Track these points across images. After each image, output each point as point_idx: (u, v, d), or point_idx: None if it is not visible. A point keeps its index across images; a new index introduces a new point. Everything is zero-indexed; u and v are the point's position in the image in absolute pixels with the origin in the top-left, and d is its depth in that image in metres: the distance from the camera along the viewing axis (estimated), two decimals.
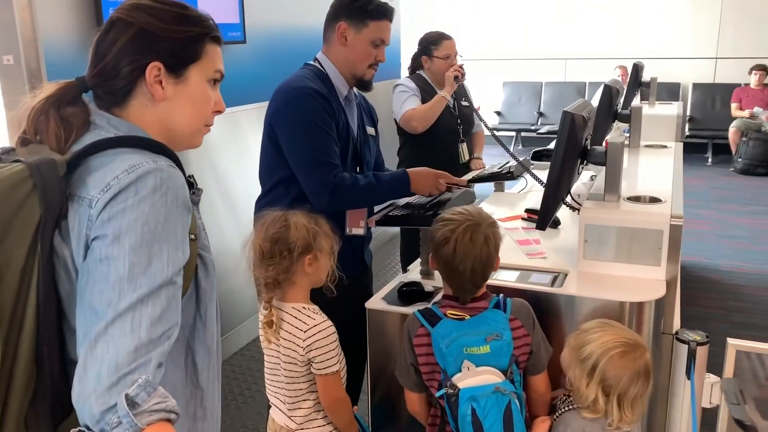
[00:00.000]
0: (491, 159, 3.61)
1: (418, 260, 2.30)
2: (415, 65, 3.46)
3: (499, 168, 2.91)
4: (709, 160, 8.30)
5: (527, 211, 2.52)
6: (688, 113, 8.53)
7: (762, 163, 7.63)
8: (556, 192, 1.89)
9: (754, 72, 8.03)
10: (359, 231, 2.20)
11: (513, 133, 9.26)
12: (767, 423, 1.59)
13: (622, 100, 3.39)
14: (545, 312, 1.77)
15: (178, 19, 1.10)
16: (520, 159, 2.87)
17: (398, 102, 3.29)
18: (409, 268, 2.35)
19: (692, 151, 7.71)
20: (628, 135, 3.56)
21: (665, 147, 3.26)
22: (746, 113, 7.98)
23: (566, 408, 1.63)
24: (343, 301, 1.91)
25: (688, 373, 1.54)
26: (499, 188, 3.07)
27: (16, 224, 0.92)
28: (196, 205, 1.12)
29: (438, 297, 2.04)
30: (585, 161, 2.08)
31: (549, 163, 3.34)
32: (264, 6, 3.76)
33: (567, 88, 9.36)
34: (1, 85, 2.45)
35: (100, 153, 1.00)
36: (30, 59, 2.39)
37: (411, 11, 7.19)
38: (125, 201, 0.95)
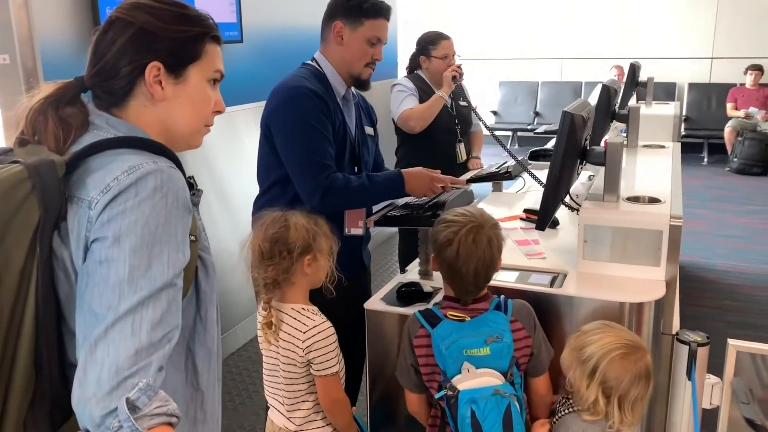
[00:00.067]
0: (488, 159, 3.61)
1: (417, 260, 2.30)
2: (414, 65, 3.46)
3: (497, 168, 2.90)
4: (705, 159, 8.32)
5: (526, 211, 2.52)
6: (683, 113, 8.55)
7: (757, 162, 7.65)
8: (555, 192, 1.89)
9: (749, 72, 8.05)
10: (358, 231, 2.19)
11: (509, 133, 9.27)
12: None
13: (619, 99, 3.39)
14: (545, 312, 1.76)
15: (177, 18, 1.09)
16: (518, 159, 2.87)
17: (396, 102, 3.29)
18: (407, 268, 2.35)
19: (688, 150, 7.70)
20: (625, 135, 3.56)
21: (663, 147, 3.26)
22: (742, 113, 8.00)
23: (566, 411, 1.62)
24: (341, 302, 1.90)
25: (689, 374, 1.54)
26: (497, 188, 3.07)
27: (15, 226, 0.91)
28: (196, 207, 1.11)
29: (437, 298, 2.04)
30: (584, 161, 2.08)
31: (546, 162, 3.37)
32: (261, 5, 3.75)
33: (563, 88, 9.37)
34: None
35: (100, 154, 0.99)
36: (26, 58, 2.37)
37: (408, 11, 7.18)
38: (125, 202, 0.94)
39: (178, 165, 1.04)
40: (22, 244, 0.92)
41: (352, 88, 2.26)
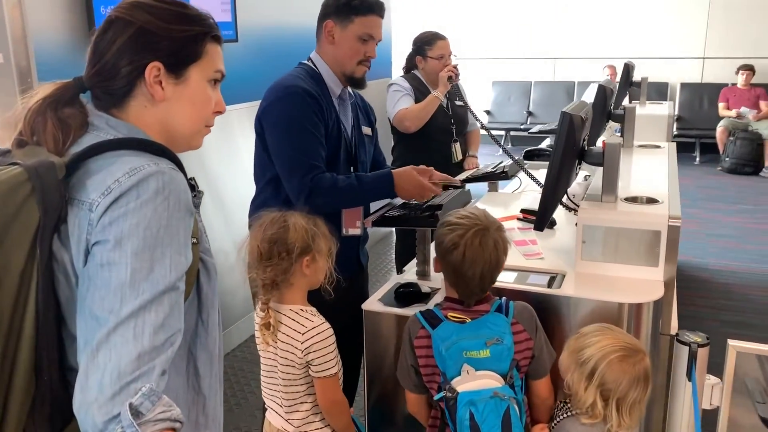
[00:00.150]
0: (483, 158, 3.62)
1: (414, 261, 2.29)
2: (410, 65, 3.46)
3: (493, 168, 2.91)
4: (697, 159, 8.36)
5: (523, 211, 2.52)
6: (676, 113, 8.58)
7: (749, 162, 7.70)
8: (554, 192, 1.89)
9: (741, 72, 8.09)
10: (356, 231, 2.19)
11: (502, 132, 9.28)
12: None
13: (614, 100, 3.40)
14: (543, 313, 1.76)
15: (178, 18, 1.08)
16: (515, 158, 2.87)
17: (392, 101, 3.29)
18: (405, 269, 2.34)
19: (680, 150, 7.69)
20: (619, 135, 3.57)
21: (658, 147, 3.26)
22: (733, 113, 8.04)
23: (565, 415, 1.62)
24: (339, 303, 1.89)
25: (689, 375, 1.54)
26: (493, 188, 3.07)
27: (15, 228, 0.90)
28: (198, 208, 1.10)
29: (435, 298, 2.03)
30: (582, 162, 2.08)
31: (541, 162, 3.38)
32: (256, 4, 3.73)
33: (556, 88, 9.40)
34: None
35: (100, 155, 0.98)
36: (20, 58, 2.35)
37: (401, 11, 7.18)
38: (127, 205, 0.93)
39: (180, 166, 1.03)
40: (22, 247, 0.90)
41: (349, 88, 2.26)
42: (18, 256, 0.90)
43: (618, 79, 5.74)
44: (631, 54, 7.84)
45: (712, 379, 1.56)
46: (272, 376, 1.85)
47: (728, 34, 8.53)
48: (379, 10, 2.15)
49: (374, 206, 2.24)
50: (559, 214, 2.27)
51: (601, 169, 2.07)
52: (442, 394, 1.59)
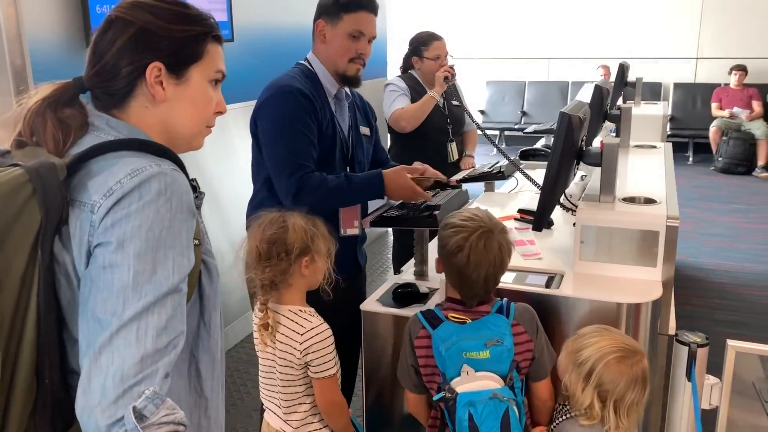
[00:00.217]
0: (478, 158, 3.61)
1: (412, 261, 2.29)
2: (407, 65, 3.46)
3: (490, 168, 2.90)
4: (690, 159, 8.39)
5: (520, 211, 2.52)
6: (669, 113, 8.61)
7: (742, 162, 7.73)
8: (552, 193, 1.89)
9: (733, 72, 8.12)
10: (354, 231, 2.19)
11: (497, 132, 9.28)
12: None
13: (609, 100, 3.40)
14: (542, 313, 1.75)
15: (178, 17, 1.07)
16: (511, 158, 2.87)
17: (388, 101, 3.30)
18: (402, 269, 2.34)
19: (673, 150, 7.73)
20: (614, 135, 3.58)
21: (654, 147, 3.27)
22: (726, 113, 8.07)
23: (563, 417, 1.61)
24: (337, 304, 1.89)
25: (689, 375, 1.54)
26: (489, 188, 3.07)
27: (16, 230, 0.89)
28: (199, 209, 1.09)
29: (433, 298, 2.03)
30: (580, 162, 2.08)
31: (537, 162, 3.39)
32: (252, 4, 3.72)
33: (550, 88, 9.42)
34: None
35: (101, 156, 0.97)
36: (15, 57, 2.33)
37: (396, 10, 7.18)
38: (129, 206, 0.92)
39: (182, 167, 1.02)
40: (23, 250, 0.90)
41: (346, 88, 2.25)
42: (19, 259, 0.89)
43: (612, 79, 5.75)
44: (625, 54, 7.85)
45: (711, 379, 1.56)
46: (270, 376, 1.84)
47: (721, 34, 8.57)
48: (368, 6, 2.13)
49: (372, 206, 2.23)
50: (557, 214, 2.28)
51: (597, 169, 2.08)
52: (441, 394, 1.59)
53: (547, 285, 1.88)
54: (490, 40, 9.63)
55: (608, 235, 1.89)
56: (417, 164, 2.28)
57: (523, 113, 9.45)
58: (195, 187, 1.07)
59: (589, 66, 8.47)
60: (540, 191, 1.92)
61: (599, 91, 2.77)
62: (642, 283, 1.84)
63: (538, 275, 1.95)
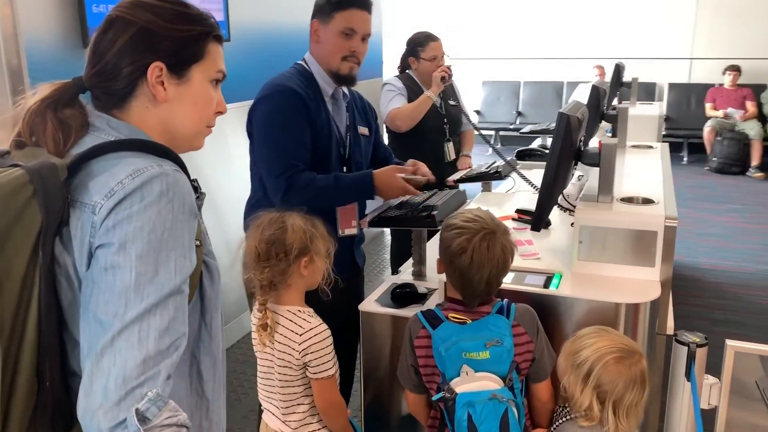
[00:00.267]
0: (474, 158, 3.62)
1: (410, 261, 2.29)
2: (404, 65, 3.46)
3: (487, 168, 2.91)
4: (685, 159, 8.41)
5: (518, 211, 2.52)
6: (664, 113, 8.63)
7: (736, 162, 7.76)
8: (551, 193, 1.89)
9: (727, 72, 8.15)
10: (352, 231, 2.19)
11: (492, 132, 9.30)
12: None
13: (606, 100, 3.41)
14: (540, 313, 1.75)
15: (179, 17, 1.06)
16: (507, 159, 2.87)
17: (384, 101, 3.30)
18: (400, 269, 2.34)
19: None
20: (610, 135, 3.58)
21: (651, 147, 3.28)
22: (720, 113, 8.10)
23: (563, 419, 1.61)
24: (334, 304, 1.88)
25: (688, 375, 1.54)
26: (486, 188, 3.07)
27: (17, 232, 0.88)
28: (199, 210, 1.09)
29: (431, 298, 2.03)
30: (578, 162, 2.08)
31: (534, 162, 3.39)
32: (248, 4, 3.71)
33: (545, 88, 9.43)
34: None
35: (102, 157, 0.96)
36: (11, 56, 2.32)
37: (392, 10, 7.17)
38: (131, 207, 0.91)
39: (183, 168, 1.02)
40: (24, 251, 0.89)
41: (344, 88, 2.25)
42: (20, 260, 0.88)
43: (607, 79, 5.76)
44: (620, 54, 7.87)
45: (710, 379, 1.56)
46: (269, 377, 1.84)
47: (715, 35, 8.60)
48: (359, 3, 2.13)
49: (370, 207, 2.23)
50: (554, 214, 2.28)
51: (595, 169, 2.08)
52: (440, 394, 1.59)
53: (546, 285, 1.88)
54: (486, 41, 9.64)
55: (606, 235, 1.90)
56: (410, 162, 2.27)
57: (519, 113, 9.46)
58: (196, 188, 1.06)
59: (584, 66, 8.48)
60: (537, 191, 1.93)
61: (596, 92, 2.77)
62: (640, 283, 1.84)
63: (536, 275, 1.95)
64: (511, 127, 9.07)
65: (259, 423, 2.03)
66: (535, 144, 3.96)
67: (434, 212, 2.02)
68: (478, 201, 2.90)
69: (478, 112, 9.54)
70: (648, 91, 8.50)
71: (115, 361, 0.85)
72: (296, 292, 1.79)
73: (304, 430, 1.82)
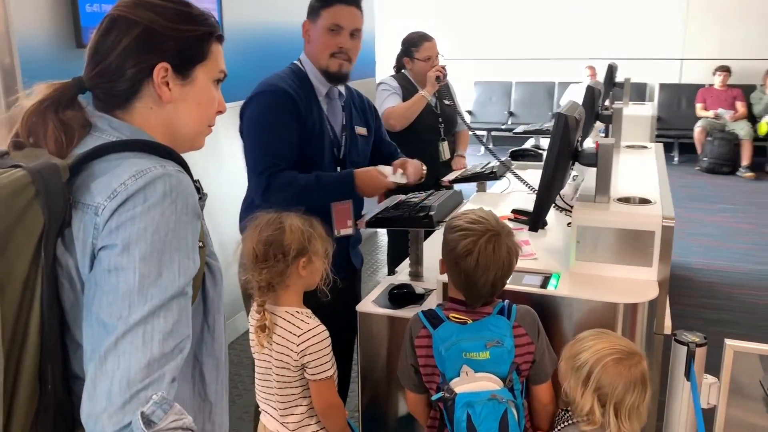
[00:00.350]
0: (469, 159, 3.62)
1: (406, 261, 2.28)
2: (400, 65, 3.46)
3: (482, 168, 2.91)
4: (676, 159, 8.45)
5: (514, 211, 2.52)
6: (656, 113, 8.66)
7: (726, 162, 7.81)
8: (549, 193, 1.89)
9: (718, 73, 8.20)
10: (348, 231, 2.18)
11: (484, 132, 9.31)
12: None
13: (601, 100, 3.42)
14: (539, 314, 1.75)
15: (182, 17, 1.05)
16: (502, 159, 2.88)
17: (379, 100, 3.30)
18: (397, 269, 2.33)
19: None
20: (603, 135, 3.59)
21: (645, 147, 3.29)
22: (711, 113, 8.15)
23: (565, 424, 1.60)
24: (331, 305, 1.88)
25: (687, 375, 1.55)
26: (481, 188, 3.07)
27: (18, 233, 0.87)
28: (201, 211, 1.08)
29: (429, 299, 2.03)
30: (575, 162, 2.08)
31: (528, 163, 3.39)
32: (243, 3, 3.70)
33: (537, 88, 9.45)
34: None
35: (104, 157, 0.95)
36: (3, 55, 2.30)
37: (384, 11, 7.17)
38: (134, 208, 0.90)
39: (186, 169, 1.01)
40: (26, 253, 0.88)
41: (340, 87, 2.24)
42: (22, 262, 0.87)
43: (597, 79, 5.77)
44: (611, 55, 7.88)
45: (709, 379, 1.57)
46: (267, 378, 1.83)
47: (706, 35, 8.65)
48: None
49: (368, 207, 2.23)
50: (549, 214, 2.27)
51: (591, 169, 2.08)
52: (440, 394, 1.58)
53: (543, 285, 1.88)
54: (478, 41, 9.65)
55: (604, 235, 1.90)
56: (398, 161, 2.26)
57: (510, 113, 9.48)
58: (198, 189, 1.05)
59: (576, 67, 8.51)
60: (533, 191, 1.93)
61: (591, 92, 2.78)
62: (638, 282, 1.84)
63: (533, 275, 1.95)
64: (503, 127, 9.08)
65: (255, 424, 2.03)
66: (529, 144, 3.96)
67: (431, 213, 2.01)
68: (473, 201, 2.89)
69: (470, 113, 9.54)
70: (639, 92, 8.54)
71: (119, 363, 0.84)
72: (294, 293, 1.79)
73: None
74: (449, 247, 1.62)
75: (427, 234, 2.42)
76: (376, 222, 2.10)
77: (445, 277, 1.75)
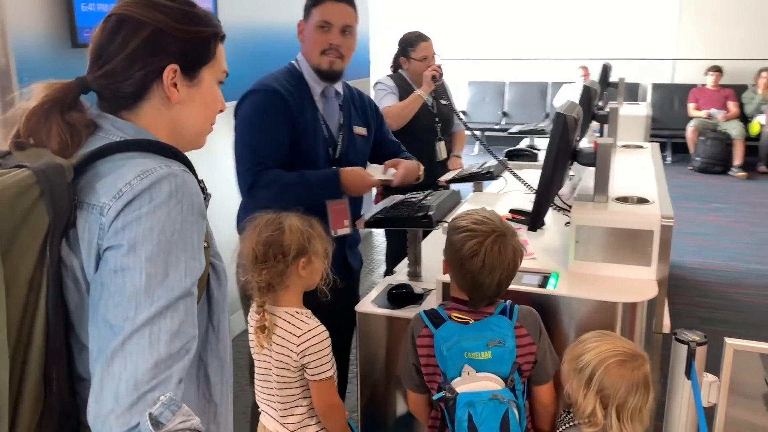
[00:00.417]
0: (463, 159, 3.62)
1: (405, 261, 2.28)
2: (396, 65, 3.46)
3: (479, 168, 2.91)
4: (668, 158, 8.49)
5: (512, 211, 2.51)
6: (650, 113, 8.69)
7: (719, 161, 7.84)
8: (548, 193, 1.89)
9: (710, 73, 8.24)
10: (345, 231, 2.18)
11: (478, 133, 9.32)
12: None
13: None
14: (538, 313, 1.76)
15: (190, 18, 1.05)
16: (499, 158, 2.88)
17: (376, 100, 3.29)
18: (395, 269, 2.33)
19: None
20: (598, 135, 3.60)
21: (641, 147, 3.30)
22: (703, 113, 8.19)
23: (567, 425, 1.60)
24: (330, 305, 1.87)
25: (688, 374, 1.55)
26: (478, 188, 3.07)
27: (23, 234, 0.86)
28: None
29: (428, 299, 2.03)
30: (573, 162, 2.09)
31: (523, 162, 3.39)
32: (238, 3, 3.69)
33: (530, 88, 9.47)
34: None
35: (108, 157, 0.95)
36: None
37: (379, 10, 7.17)
38: (140, 208, 0.90)
39: (191, 168, 1.00)
40: (31, 254, 0.87)
41: (337, 87, 2.24)
42: (27, 262, 0.86)
43: (591, 79, 5.77)
44: (604, 55, 7.91)
45: (709, 377, 1.57)
46: (266, 379, 1.82)
47: (698, 36, 8.69)
48: None
49: (366, 208, 2.23)
50: (547, 214, 2.28)
51: (588, 169, 2.09)
52: (441, 394, 1.58)
53: (542, 285, 1.88)
54: (471, 41, 9.66)
55: (603, 235, 1.90)
56: (391, 161, 2.26)
57: (504, 114, 9.50)
58: (203, 189, 1.05)
59: (569, 67, 8.53)
60: (531, 191, 1.93)
61: (588, 92, 2.78)
62: (637, 282, 1.85)
63: (532, 275, 1.95)
64: (497, 127, 9.10)
65: (253, 424, 2.02)
66: (523, 144, 3.97)
67: (431, 212, 2.02)
68: (470, 201, 2.89)
69: (463, 113, 9.55)
70: (632, 92, 8.56)
71: (126, 365, 0.84)
72: (294, 293, 1.78)
73: None
74: (455, 248, 1.61)
75: (426, 234, 2.42)
76: (375, 222, 2.10)
77: (444, 277, 1.75)
